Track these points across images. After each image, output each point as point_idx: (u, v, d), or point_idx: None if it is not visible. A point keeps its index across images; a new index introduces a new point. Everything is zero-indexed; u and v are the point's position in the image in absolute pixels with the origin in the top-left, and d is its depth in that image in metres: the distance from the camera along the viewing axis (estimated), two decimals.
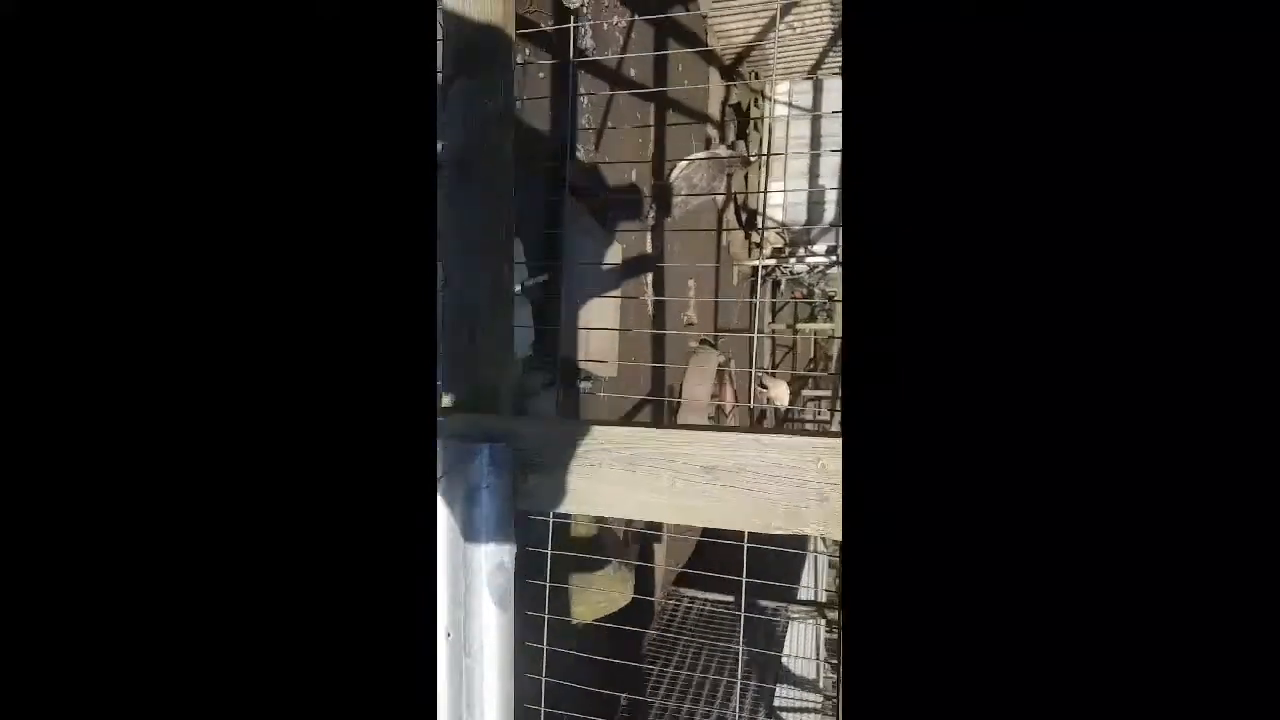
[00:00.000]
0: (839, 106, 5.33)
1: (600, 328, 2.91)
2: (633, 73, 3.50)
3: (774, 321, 8.18)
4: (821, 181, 5.55)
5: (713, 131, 5.35)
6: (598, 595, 2.11)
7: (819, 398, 9.93)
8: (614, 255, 3.14)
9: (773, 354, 8.20)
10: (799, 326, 8.65)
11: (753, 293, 6.77)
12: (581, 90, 2.91)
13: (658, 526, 4.04)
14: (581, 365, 2.82)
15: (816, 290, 8.60)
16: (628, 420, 3.29)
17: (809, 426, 10.67)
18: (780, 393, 7.53)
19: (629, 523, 3.63)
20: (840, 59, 5.60)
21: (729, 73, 5.60)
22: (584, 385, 2.85)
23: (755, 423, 7.27)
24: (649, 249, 3.86)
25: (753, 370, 5.55)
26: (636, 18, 3.42)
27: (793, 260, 6.24)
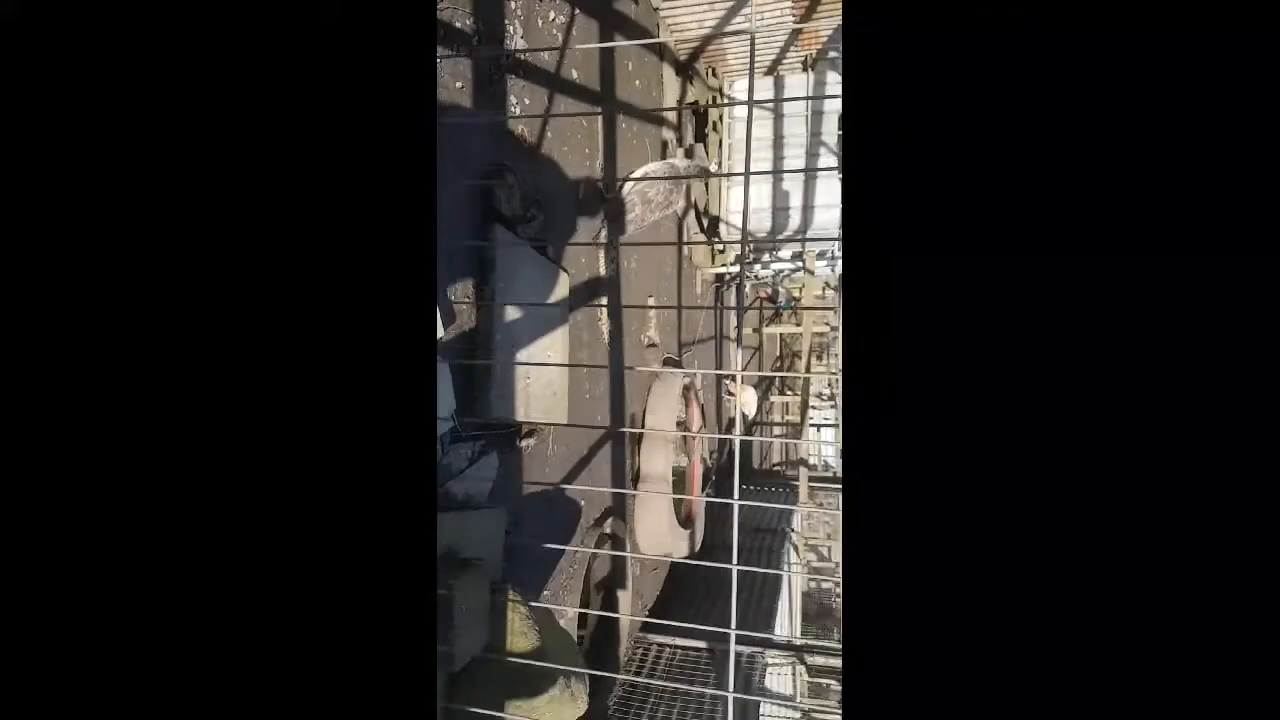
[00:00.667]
0: (801, 106, 5.05)
1: (545, 365, 2.54)
2: (575, 74, 3.11)
3: (739, 325, 7.94)
4: (785, 186, 5.25)
5: (669, 134, 4.99)
6: (542, 717, 1.74)
7: (787, 403, 9.73)
8: (560, 287, 2.75)
9: (739, 357, 7.97)
10: (766, 330, 8.44)
11: (717, 300, 6.49)
12: (513, 100, 2.50)
13: (622, 573, 3.70)
14: (522, 422, 2.43)
15: (781, 291, 8.40)
16: (572, 479, 2.91)
17: (777, 430, 10.50)
18: (747, 399, 7.30)
19: (588, 576, 3.27)
20: (800, 55, 5.33)
21: (684, 69, 5.24)
22: (525, 445, 2.46)
23: (725, 432, 7.00)
24: (602, 271, 3.49)
25: (697, 372, 5.25)
26: (577, 12, 3.03)
27: (757, 266, 5.96)
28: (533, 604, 2.20)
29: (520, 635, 1.86)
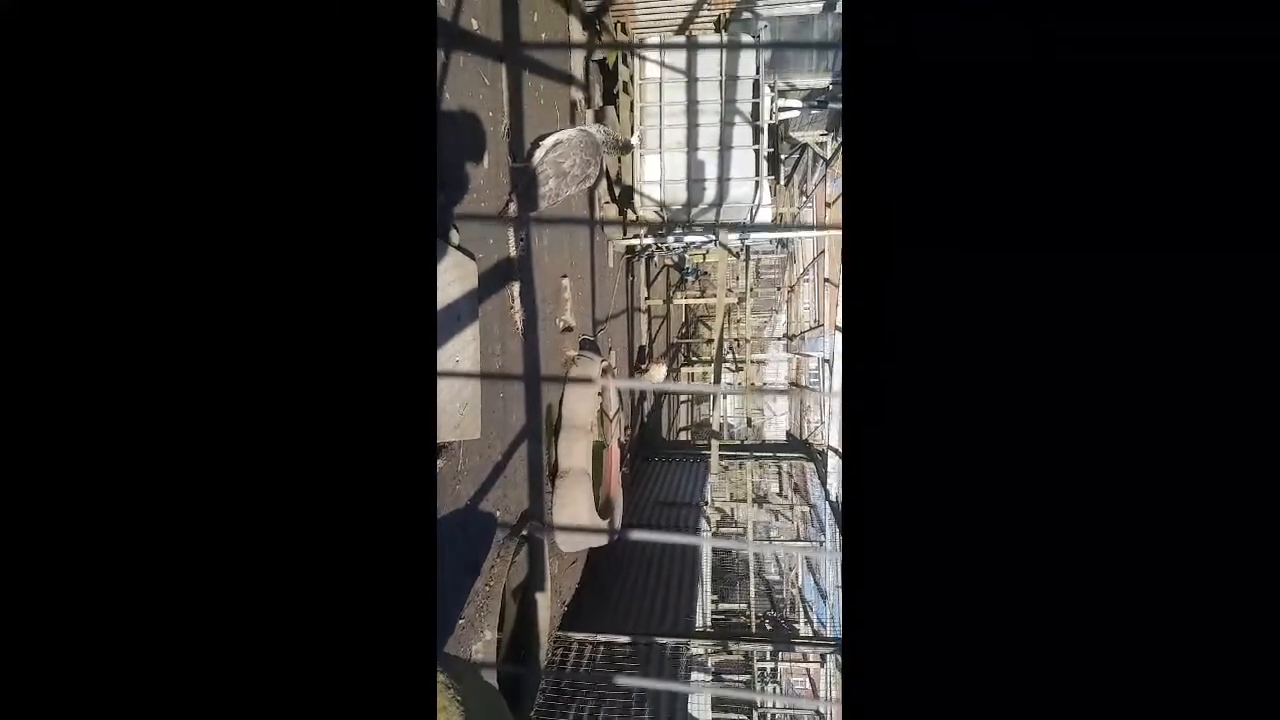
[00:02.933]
0: (715, 69, 4.82)
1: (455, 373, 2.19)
2: (474, 25, 2.66)
3: (649, 297, 7.80)
4: (701, 156, 5.03)
5: (578, 94, 4.58)
6: None
7: (692, 373, 9.81)
8: (466, 277, 2.39)
9: (649, 328, 7.84)
10: (678, 301, 8.35)
11: (629, 272, 6.25)
12: None
13: (540, 574, 3.48)
14: None
15: (686, 259, 8.32)
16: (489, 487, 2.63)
17: (683, 399, 10.61)
18: (656, 372, 7.24)
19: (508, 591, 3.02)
20: (713, 13, 5.06)
21: (592, 23, 4.81)
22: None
23: (635, 407, 6.90)
24: (512, 251, 3.12)
25: (610, 360, 5.08)
26: None
27: (670, 239, 5.76)
28: (452, 661, 1.92)
29: (440, 712, 1.59)
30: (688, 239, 5.76)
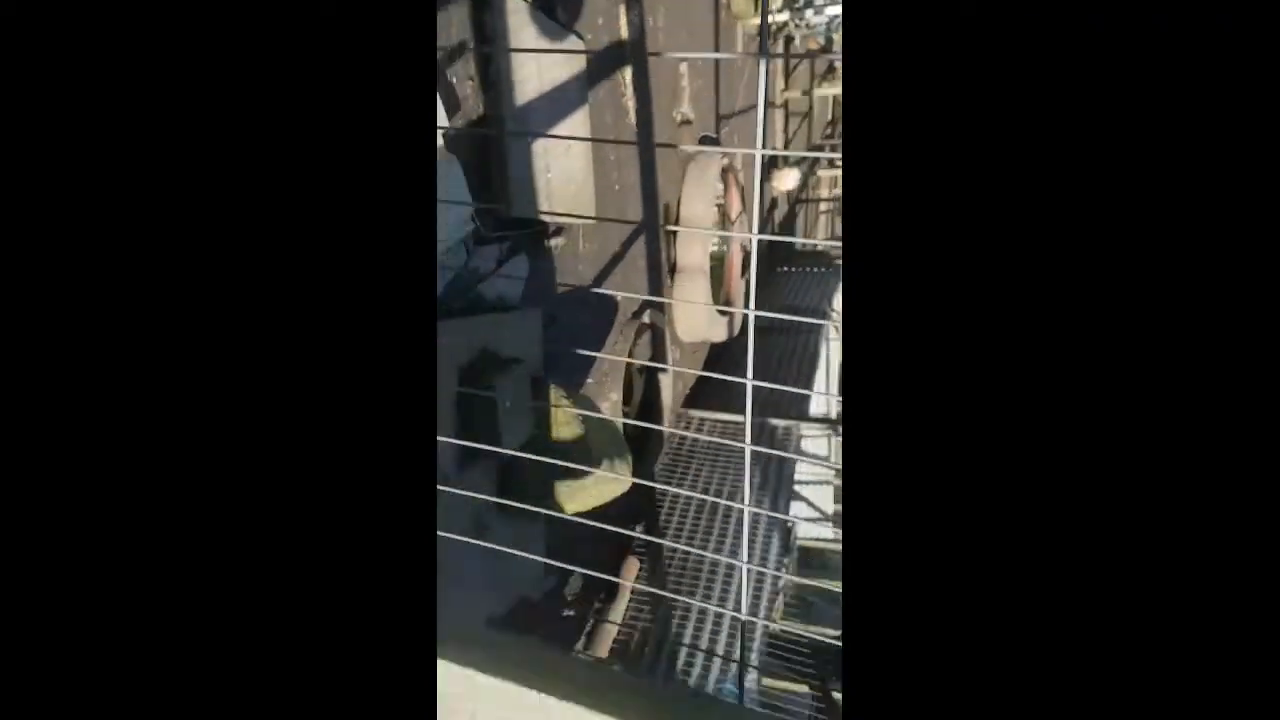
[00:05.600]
0: None
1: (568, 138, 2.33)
2: None
3: (787, 88, 7.07)
4: None
5: None
6: (588, 494, 1.95)
7: (836, 176, 9.04)
8: (572, 58, 2.40)
9: (785, 126, 7.24)
10: (816, 92, 7.50)
11: (761, 55, 5.64)
12: None
13: (662, 358, 3.85)
14: (546, 219, 2.31)
15: (835, 41, 7.28)
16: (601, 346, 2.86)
17: (823, 208, 9.97)
18: (787, 181, 6.81)
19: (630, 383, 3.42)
20: None
21: None
22: (554, 244, 2.36)
23: (766, 215, 6.68)
24: (623, 32, 3.01)
25: (736, 152, 4.87)
26: None
27: (809, 12, 5.05)
28: (577, 395, 2.32)
29: (564, 425, 1.98)
30: (830, 11, 5.01)
